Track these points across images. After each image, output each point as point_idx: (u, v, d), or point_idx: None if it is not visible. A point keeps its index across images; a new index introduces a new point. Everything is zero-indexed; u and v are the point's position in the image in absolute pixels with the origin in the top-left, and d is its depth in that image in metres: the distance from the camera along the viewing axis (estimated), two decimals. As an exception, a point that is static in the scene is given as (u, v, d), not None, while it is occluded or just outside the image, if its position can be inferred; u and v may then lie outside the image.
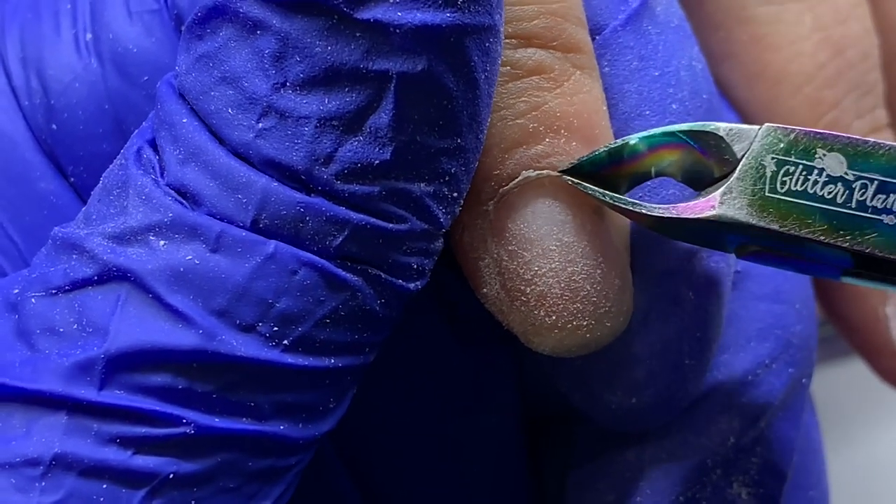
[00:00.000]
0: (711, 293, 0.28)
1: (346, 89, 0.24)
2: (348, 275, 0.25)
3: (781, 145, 0.26)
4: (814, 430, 0.32)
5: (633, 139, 0.26)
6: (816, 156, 0.25)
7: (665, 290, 0.28)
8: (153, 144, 0.26)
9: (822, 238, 0.25)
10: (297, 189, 0.24)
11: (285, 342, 0.25)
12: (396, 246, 0.25)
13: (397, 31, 0.23)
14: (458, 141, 0.25)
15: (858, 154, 0.25)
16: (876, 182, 0.25)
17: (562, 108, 0.26)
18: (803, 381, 0.30)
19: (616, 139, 0.27)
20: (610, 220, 0.27)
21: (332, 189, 0.24)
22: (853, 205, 0.25)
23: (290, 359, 0.25)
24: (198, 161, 0.25)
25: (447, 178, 0.25)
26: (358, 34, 0.24)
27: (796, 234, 0.25)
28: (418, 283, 0.26)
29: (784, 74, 0.33)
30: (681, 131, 0.26)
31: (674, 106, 0.28)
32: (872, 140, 0.25)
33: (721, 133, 0.26)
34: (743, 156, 0.26)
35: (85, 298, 0.25)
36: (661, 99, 0.28)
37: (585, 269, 0.26)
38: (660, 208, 0.26)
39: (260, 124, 0.24)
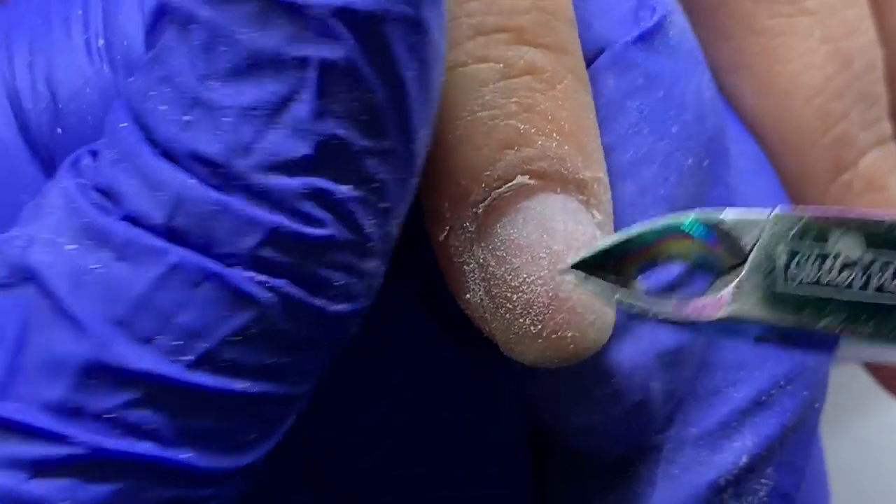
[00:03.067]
0: None
1: (268, 78, 0.23)
2: (257, 289, 0.24)
3: (793, 232, 0.24)
4: (820, 456, 0.32)
5: (638, 231, 0.25)
6: (831, 239, 0.24)
7: None
8: (94, 153, 0.25)
9: (840, 329, 0.24)
10: (215, 187, 0.24)
11: (187, 358, 0.24)
12: (314, 255, 0.24)
13: (317, 13, 0.23)
14: (385, 143, 0.24)
15: (877, 233, 0.24)
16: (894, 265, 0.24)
17: (554, 112, 0.26)
18: (816, 405, 0.30)
19: (621, 225, 0.26)
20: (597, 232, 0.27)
21: (249, 183, 0.24)
22: (870, 291, 0.24)
23: (193, 377, 0.24)
24: (126, 161, 0.24)
25: (375, 186, 0.24)
26: (280, 20, 0.23)
27: (812, 328, 0.24)
28: (346, 305, 0.25)
29: (794, 86, 0.33)
30: (688, 222, 0.25)
31: (674, 129, 0.28)
32: (889, 218, 0.24)
33: (726, 228, 0.24)
34: (752, 247, 0.24)
35: None
36: (662, 120, 0.28)
37: (574, 279, 0.26)
38: (670, 312, 0.24)
39: (186, 117, 0.24)
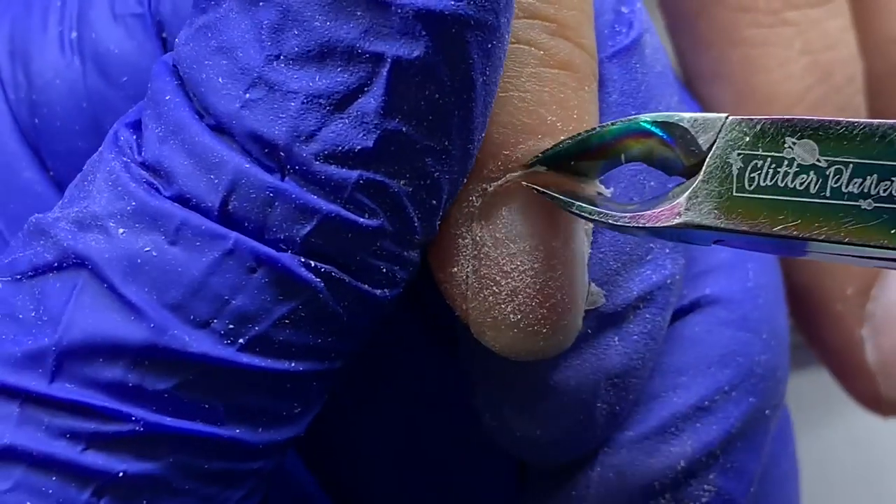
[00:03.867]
0: (638, 344, 0.28)
1: (339, 68, 0.24)
2: (309, 275, 0.24)
3: (747, 139, 0.24)
4: (784, 461, 0.32)
5: (598, 128, 0.25)
6: (786, 145, 0.24)
7: (591, 331, 0.27)
8: (134, 126, 0.25)
9: (794, 233, 0.24)
10: (272, 171, 0.24)
11: (241, 341, 0.24)
12: (365, 244, 0.24)
13: (399, 11, 0.23)
14: (445, 143, 0.24)
15: (831, 138, 0.24)
16: (851, 166, 0.24)
17: (580, 110, 0.26)
18: (766, 411, 0.29)
19: None
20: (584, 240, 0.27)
21: (308, 170, 0.24)
22: (827, 193, 0.24)
23: (245, 359, 0.24)
24: (176, 138, 0.24)
25: (428, 182, 0.25)
26: (359, 12, 0.23)
27: (767, 232, 0.24)
28: (387, 291, 0.25)
29: (773, 96, 0.33)
30: (646, 121, 0.25)
31: None
32: (845, 120, 0.24)
33: (685, 125, 0.25)
34: (708, 151, 0.24)
35: (44, 285, 0.24)
36: None
37: (562, 278, 0.26)
38: (626, 217, 0.25)
39: (247, 94, 0.24)
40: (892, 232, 0.24)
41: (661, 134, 0.25)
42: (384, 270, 0.25)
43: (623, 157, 0.26)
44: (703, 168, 0.24)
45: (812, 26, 0.33)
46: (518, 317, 0.26)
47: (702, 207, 0.24)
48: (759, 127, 0.24)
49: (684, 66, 0.34)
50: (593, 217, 0.25)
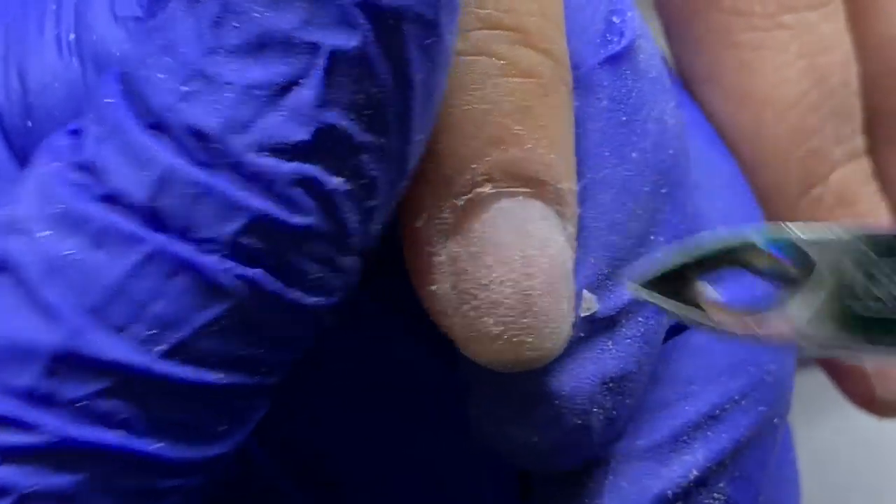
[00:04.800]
0: (632, 347, 0.28)
1: (277, 58, 0.23)
2: (233, 280, 0.24)
3: (870, 255, 0.23)
4: (786, 467, 0.32)
5: (709, 248, 0.24)
6: None
7: (585, 336, 0.27)
8: (73, 132, 0.25)
9: None
10: (203, 166, 0.24)
11: (160, 348, 0.24)
12: (295, 245, 0.24)
13: (337, 0, 0.23)
14: (383, 140, 0.24)
15: None
16: None
17: (546, 119, 0.26)
18: (775, 420, 0.29)
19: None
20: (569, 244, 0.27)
21: (241, 161, 0.23)
22: None
23: (165, 367, 0.24)
24: (113, 138, 0.24)
25: (364, 181, 0.24)
26: (298, 2, 0.23)
27: (886, 353, 0.23)
28: (321, 299, 0.25)
29: (768, 100, 0.33)
30: (757, 237, 0.24)
31: (633, 154, 0.28)
32: None
33: (804, 246, 0.23)
34: (821, 264, 0.23)
35: None
36: (623, 144, 0.28)
37: (542, 285, 0.26)
38: (737, 327, 0.24)
39: (185, 87, 0.24)
40: None
41: (772, 251, 0.24)
42: (317, 276, 0.25)
43: (724, 267, 0.25)
44: (820, 279, 0.23)
45: (808, 30, 0.33)
46: (501, 328, 0.26)
47: (816, 323, 0.23)
48: (883, 240, 0.23)
49: (680, 69, 0.34)
50: (705, 327, 0.24)
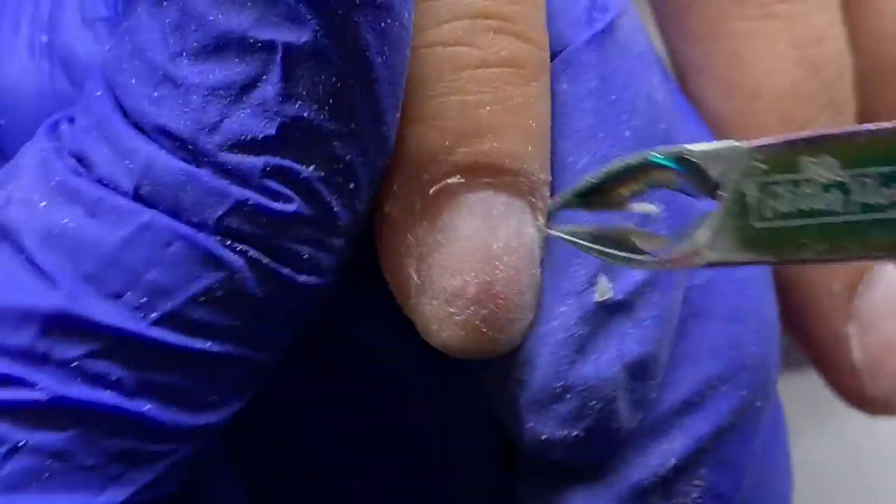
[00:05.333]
0: (651, 328, 0.28)
1: (236, 59, 0.24)
2: (226, 252, 0.24)
3: (762, 166, 0.23)
4: (774, 452, 0.32)
5: (611, 166, 0.25)
6: (802, 166, 0.23)
7: (602, 322, 0.27)
8: (70, 120, 0.26)
9: (824, 258, 0.23)
10: (183, 160, 0.24)
11: (153, 315, 0.24)
12: (282, 229, 0.25)
13: None
14: (352, 125, 0.25)
15: (851, 149, 0.22)
16: (877, 176, 0.22)
17: (525, 109, 0.26)
18: (757, 403, 0.29)
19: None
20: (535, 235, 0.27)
21: (216, 160, 0.24)
22: (854, 209, 0.22)
23: (157, 333, 0.24)
24: (98, 129, 0.25)
25: (341, 166, 0.25)
26: (249, 3, 0.24)
27: (793, 259, 0.23)
28: (312, 278, 0.25)
29: (760, 90, 0.33)
30: (656, 156, 0.25)
31: (626, 133, 0.28)
32: (865, 128, 0.22)
33: (696, 158, 0.24)
34: (722, 186, 0.23)
35: None
36: (615, 124, 0.28)
37: (505, 277, 0.26)
38: (651, 262, 0.24)
39: (155, 93, 0.24)
40: None
41: (674, 167, 0.24)
42: (307, 256, 0.25)
43: (646, 186, 0.25)
44: (719, 203, 0.23)
45: (801, 20, 0.33)
46: (463, 317, 0.26)
47: (724, 244, 0.24)
48: (772, 151, 0.23)
49: (673, 58, 0.34)
50: (617, 262, 0.25)
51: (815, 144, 0.23)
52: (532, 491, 0.29)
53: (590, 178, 0.25)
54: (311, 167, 0.24)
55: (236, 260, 0.24)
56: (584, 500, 0.28)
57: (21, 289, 0.24)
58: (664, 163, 0.24)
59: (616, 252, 0.25)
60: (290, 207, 0.25)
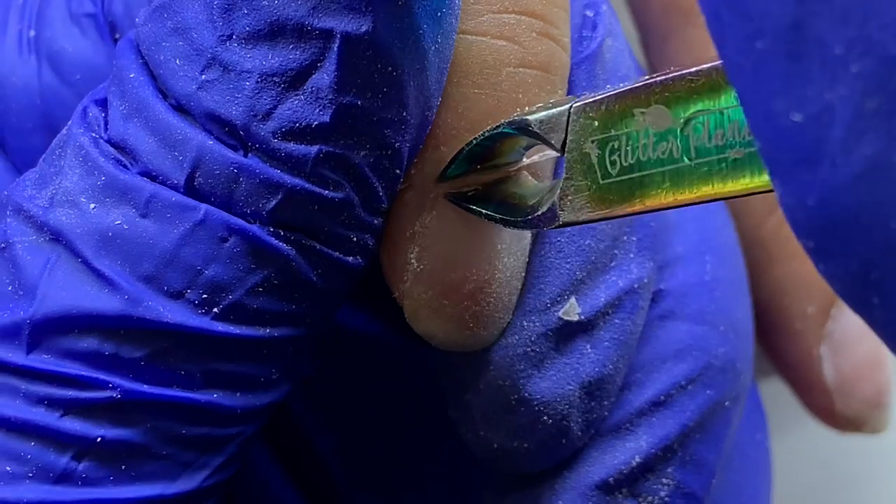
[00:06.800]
0: (610, 350, 0.28)
1: (291, 46, 0.24)
2: (280, 244, 0.25)
3: (596, 124, 0.23)
4: (751, 450, 0.32)
5: (477, 138, 0.25)
6: (636, 118, 0.23)
7: (563, 341, 0.28)
8: (102, 103, 0.26)
9: (671, 203, 0.23)
10: (234, 148, 0.24)
11: (215, 310, 0.24)
12: (332, 215, 0.25)
13: None
14: (403, 114, 0.25)
15: (679, 95, 0.22)
16: (707, 119, 0.22)
17: None
18: (726, 404, 0.29)
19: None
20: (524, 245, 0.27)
21: (268, 147, 0.24)
22: (692, 154, 0.22)
23: (220, 327, 0.25)
24: (140, 116, 0.25)
25: (389, 152, 0.25)
26: None
27: (644, 209, 0.23)
28: (359, 258, 0.26)
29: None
30: (506, 127, 0.25)
31: None
32: (685, 71, 0.22)
33: (534, 127, 0.24)
34: (568, 147, 0.24)
35: (18, 258, 0.25)
36: None
37: (501, 277, 0.26)
38: (519, 223, 0.25)
39: (203, 76, 0.24)
40: (762, 175, 0.22)
41: (523, 136, 0.25)
42: (354, 239, 0.25)
43: (518, 153, 0.26)
44: (562, 166, 0.24)
45: None
46: (454, 310, 0.26)
47: (575, 204, 0.24)
48: (604, 107, 0.23)
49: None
50: (495, 220, 0.25)
51: (641, 95, 0.23)
52: (498, 488, 0.30)
53: (465, 146, 0.25)
54: (363, 154, 0.24)
55: (289, 249, 0.25)
56: (549, 497, 0.28)
57: (82, 294, 0.24)
58: (513, 132, 0.25)
59: (494, 214, 0.25)
60: (341, 194, 0.25)
